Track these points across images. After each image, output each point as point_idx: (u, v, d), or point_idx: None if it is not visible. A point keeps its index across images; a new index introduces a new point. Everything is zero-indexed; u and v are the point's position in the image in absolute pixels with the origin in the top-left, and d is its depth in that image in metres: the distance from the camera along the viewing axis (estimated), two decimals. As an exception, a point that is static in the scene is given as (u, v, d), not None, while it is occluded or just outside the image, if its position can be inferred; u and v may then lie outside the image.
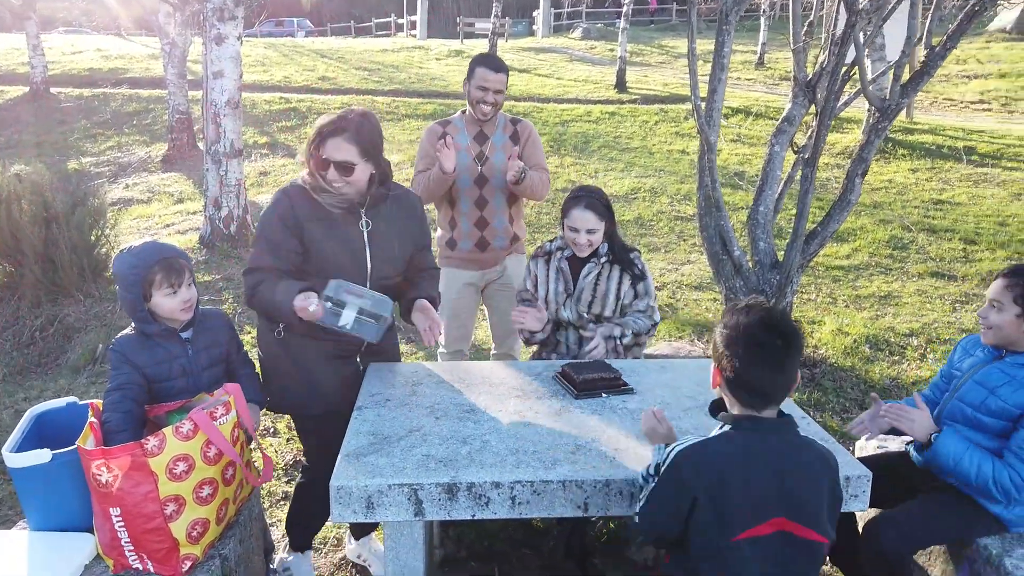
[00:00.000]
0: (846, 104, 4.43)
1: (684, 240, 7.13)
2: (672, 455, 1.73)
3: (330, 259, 2.37)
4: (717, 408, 1.85)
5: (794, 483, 1.67)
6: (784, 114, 4.56)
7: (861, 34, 3.84)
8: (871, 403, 2.42)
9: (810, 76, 4.41)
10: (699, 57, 4.41)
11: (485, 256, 3.38)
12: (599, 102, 13.65)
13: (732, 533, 1.65)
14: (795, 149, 4.43)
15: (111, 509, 1.91)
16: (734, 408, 1.77)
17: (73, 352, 4.97)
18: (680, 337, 4.88)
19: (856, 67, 3.93)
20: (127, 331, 2.25)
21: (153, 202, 8.99)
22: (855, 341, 4.65)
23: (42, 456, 1.98)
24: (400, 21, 30.06)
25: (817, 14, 4.94)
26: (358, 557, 2.82)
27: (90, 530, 2.06)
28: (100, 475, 1.88)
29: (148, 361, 2.19)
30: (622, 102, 13.71)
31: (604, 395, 2.38)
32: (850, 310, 5.33)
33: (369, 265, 2.42)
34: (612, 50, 20.38)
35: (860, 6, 3.79)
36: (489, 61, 3.21)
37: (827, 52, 4.24)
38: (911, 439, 2.55)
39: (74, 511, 2.06)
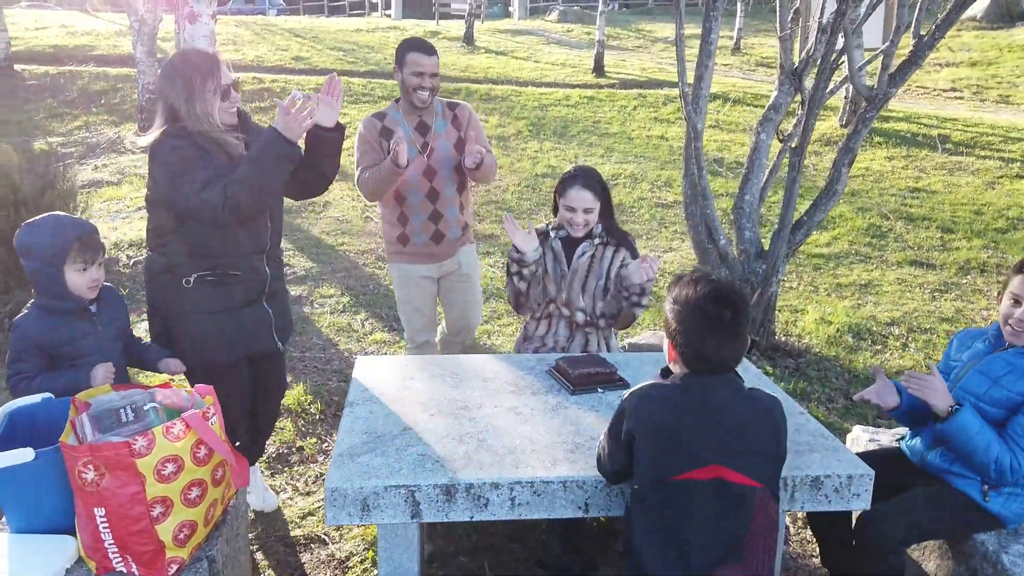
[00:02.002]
0: (832, 92, 4.42)
1: (665, 227, 7.12)
2: (624, 395, 1.85)
3: None
4: (663, 376, 1.95)
5: (734, 433, 1.74)
6: (770, 102, 4.54)
7: (851, 23, 3.82)
8: (875, 376, 2.40)
9: (796, 64, 4.39)
10: (684, 43, 4.36)
11: (440, 249, 3.31)
12: (577, 86, 13.56)
13: (670, 473, 1.74)
14: (780, 137, 4.42)
15: (96, 509, 1.83)
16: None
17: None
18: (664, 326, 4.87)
19: (844, 56, 3.91)
20: (24, 312, 2.24)
21: (124, 184, 8.75)
22: (838, 330, 4.68)
23: (25, 455, 1.89)
24: (374, 1, 29.60)
25: (805, 1, 4.92)
26: None
27: (72, 532, 1.99)
28: (85, 473, 1.81)
29: (55, 341, 2.21)
30: (600, 86, 13.64)
31: (600, 390, 2.35)
32: (832, 299, 5.36)
33: None
34: (589, 33, 20.27)
35: (850, -6, 3.77)
36: (420, 45, 3.10)
37: (814, 40, 4.23)
38: (901, 436, 2.57)
39: (57, 512, 1.97)
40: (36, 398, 2.21)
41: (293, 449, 3.52)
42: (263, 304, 2.62)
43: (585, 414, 2.20)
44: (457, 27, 19.69)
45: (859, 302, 5.29)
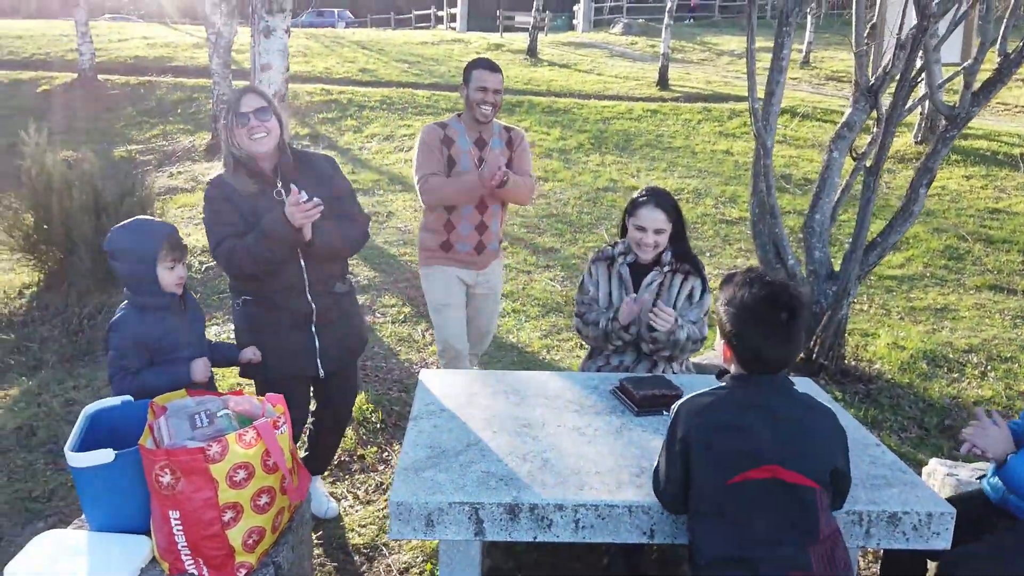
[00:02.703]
0: (909, 110, 4.28)
1: (730, 244, 7.00)
2: (674, 407, 1.83)
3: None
4: (719, 378, 1.93)
5: (789, 432, 1.72)
6: (844, 119, 4.42)
7: (933, 39, 3.70)
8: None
9: (872, 81, 4.27)
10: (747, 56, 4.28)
11: (480, 259, 3.40)
12: (641, 99, 13.48)
13: (727, 476, 1.70)
14: (854, 156, 4.30)
15: (171, 512, 1.89)
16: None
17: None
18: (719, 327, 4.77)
19: (923, 72, 3.79)
20: (120, 313, 2.35)
21: (197, 191, 9.06)
22: (912, 356, 4.51)
23: (105, 456, 1.97)
24: (440, 13, 30.04)
25: (880, 16, 4.78)
26: None
27: (147, 532, 2.05)
28: (162, 477, 1.87)
29: (158, 335, 2.33)
30: (664, 100, 13.52)
31: (665, 413, 2.31)
32: (905, 323, 5.17)
33: None
34: (653, 46, 20.14)
35: (932, 10, 3.65)
36: (486, 63, 3.26)
37: (891, 56, 4.10)
38: (982, 473, 2.45)
39: (133, 512, 2.04)
40: (115, 400, 2.30)
41: (354, 457, 3.57)
42: (310, 331, 2.70)
43: (650, 436, 2.17)
44: (521, 40, 19.83)
45: (934, 327, 5.09)
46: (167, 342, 2.36)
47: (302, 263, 2.62)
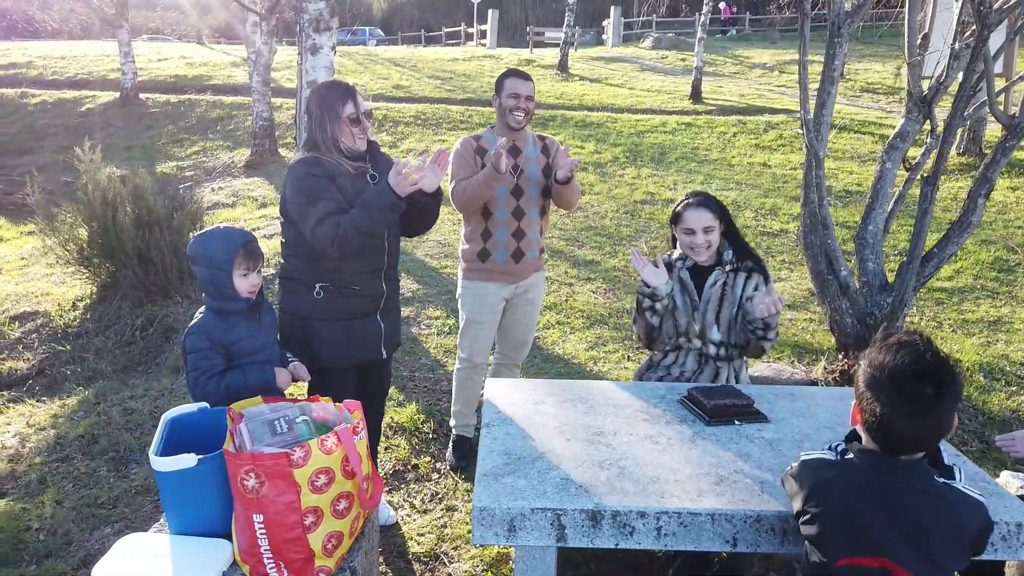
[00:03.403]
0: (965, 120, 4.23)
1: (772, 256, 6.94)
2: (801, 458, 1.77)
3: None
4: (851, 439, 1.79)
5: (910, 527, 1.58)
6: (896, 130, 4.39)
7: (991, 47, 3.66)
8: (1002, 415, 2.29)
9: (925, 91, 4.23)
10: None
11: (518, 267, 3.39)
12: (674, 113, 13.47)
13: (836, 557, 1.62)
14: (907, 166, 4.26)
15: (254, 515, 1.92)
16: (869, 445, 1.70)
17: (171, 352, 5.11)
18: (779, 359, 4.73)
19: (983, 81, 3.75)
20: (198, 318, 2.40)
21: (238, 206, 9.22)
22: (968, 369, 4.43)
23: (188, 460, 2.01)
24: (470, 30, 30.35)
25: (931, 26, 4.74)
26: None
27: (226, 535, 2.08)
28: (247, 480, 1.90)
29: (235, 338, 2.38)
30: (698, 113, 13.49)
31: (737, 422, 2.30)
32: (958, 335, 5.09)
33: None
34: (684, 60, 20.14)
35: (991, 20, 3.62)
36: (518, 72, 3.33)
37: (945, 66, 4.07)
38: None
39: (212, 516, 2.08)
40: (193, 407, 2.35)
41: (408, 467, 3.59)
42: (377, 317, 2.82)
43: (724, 446, 2.16)
44: (551, 55, 19.94)
45: (989, 340, 5.00)
46: (243, 347, 2.41)
47: (387, 245, 2.77)
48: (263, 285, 2.54)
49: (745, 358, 2.88)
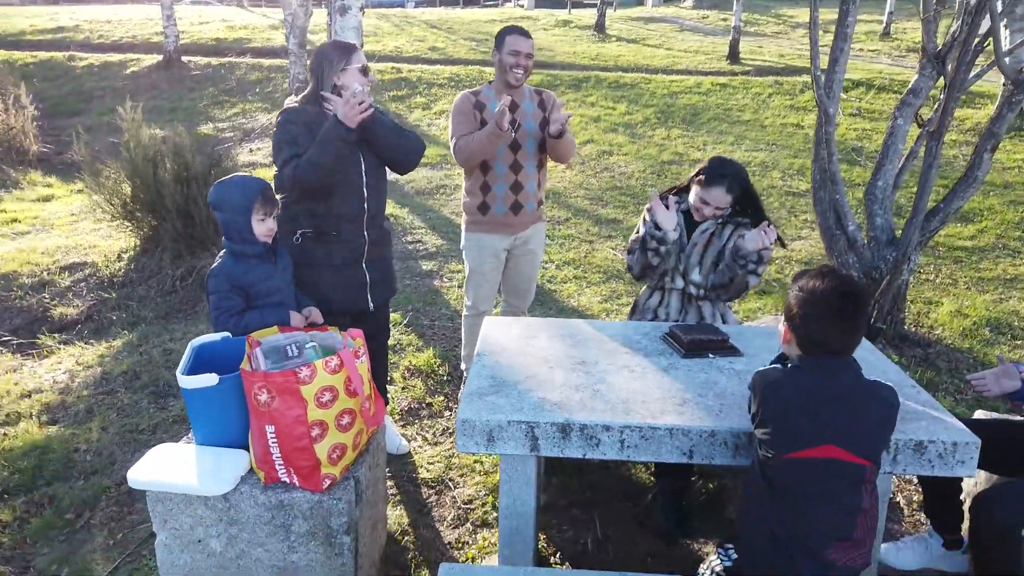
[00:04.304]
0: (978, 76, 4.23)
1: (795, 216, 6.99)
2: (755, 372, 2.01)
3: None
4: (779, 361, 2.09)
5: (850, 417, 1.86)
6: (910, 86, 4.41)
7: (999, 2, 3.67)
8: (996, 363, 2.44)
9: (940, 47, 4.24)
10: (820, 27, 4.31)
11: (516, 220, 3.52)
12: (710, 73, 13.32)
13: (786, 451, 1.88)
14: (919, 123, 4.29)
15: (267, 427, 2.17)
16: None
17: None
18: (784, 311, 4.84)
19: (990, 37, 3.76)
20: (219, 261, 2.61)
21: (273, 167, 9.51)
22: (975, 323, 4.50)
23: (210, 379, 2.26)
24: (508, -9, 30.04)
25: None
26: None
27: (245, 447, 2.34)
28: (259, 395, 2.14)
29: (253, 280, 2.59)
30: (734, 73, 13.33)
31: (711, 356, 2.47)
32: (971, 292, 5.12)
33: None
34: (725, 20, 19.75)
35: (1000, -28, 3.63)
36: (519, 29, 3.41)
37: (959, 21, 4.07)
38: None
39: (232, 429, 2.34)
40: (216, 336, 2.60)
41: (423, 405, 3.84)
42: (362, 266, 2.97)
43: (695, 375, 2.34)
44: (589, 16, 19.74)
45: (1001, 296, 5.03)
46: (261, 288, 2.62)
47: (364, 192, 2.89)
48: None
49: (728, 303, 3.03)
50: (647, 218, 3.03)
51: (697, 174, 2.97)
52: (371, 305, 3.04)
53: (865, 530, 1.87)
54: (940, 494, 2.48)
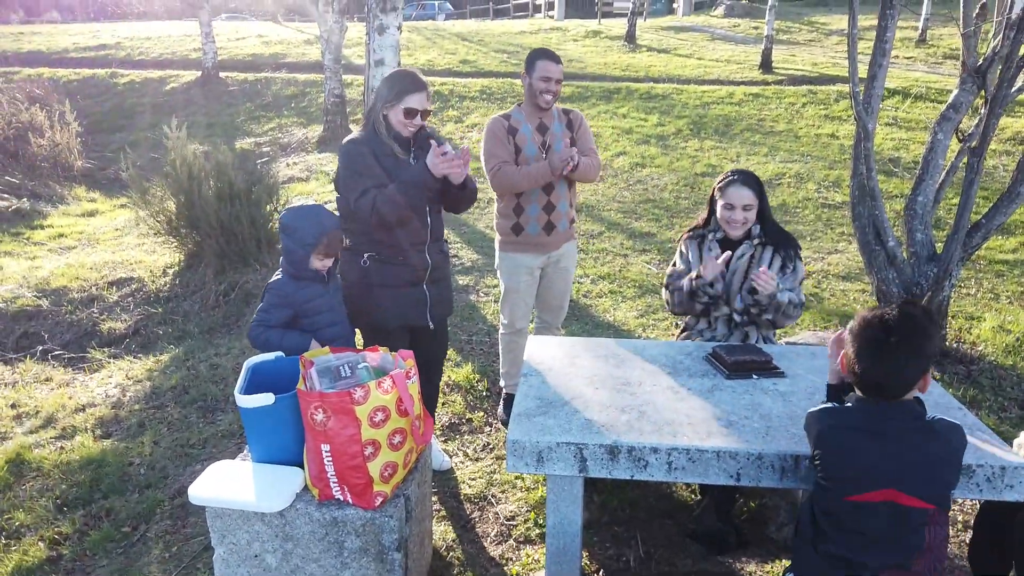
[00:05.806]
0: (1020, 91, 4.20)
1: (831, 228, 6.95)
2: (808, 413, 1.95)
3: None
4: (834, 391, 2.05)
5: (909, 460, 1.80)
6: (950, 100, 4.39)
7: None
8: None
9: (980, 61, 4.21)
10: (863, 33, 4.30)
11: (550, 239, 3.59)
12: (742, 83, 13.28)
13: (844, 494, 1.85)
14: (960, 137, 4.27)
15: (322, 445, 2.24)
16: (859, 393, 1.92)
17: (251, 315, 5.55)
18: (825, 327, 4.83)
19: (1034, 52, 3.73)
20: (278, 276, 2.74)
21: (311, 180, 9.69)
22: (1018, 340, 4.44)
23: (267, 399, 2.34)
24: (538, 2, 30.27)
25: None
26: None
27: (300, 464, 2.42)
28: (316, 415, 2.22)
29: (303, 299, 2.70)
30: (767, 83, 13.27)
31: (755, 376, 2.50)
32: (1014, 307, 5.06)
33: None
34: (757, 28, 19.68)
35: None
36: (549, 54, 3.47)
37: (1001, 36, 4.05)
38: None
39: (288, 447, 2.42)
40: (270, 356, 2.68)
41: (463, 420, 3.90)
42: (423, 287, 3.07)
43: (739, 396, 2.36)
44: (619, 26, 19.78)
45: (1045, 312, 4.96)
46: (311, 306, 2.73)
47: (428, 219, 3.00)
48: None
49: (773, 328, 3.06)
50: (684, 252, 3.12)
51: (712, 193, 3.08)
52: (430, 324, 3.13)
53: (925, 566, 1.88)
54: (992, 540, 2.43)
